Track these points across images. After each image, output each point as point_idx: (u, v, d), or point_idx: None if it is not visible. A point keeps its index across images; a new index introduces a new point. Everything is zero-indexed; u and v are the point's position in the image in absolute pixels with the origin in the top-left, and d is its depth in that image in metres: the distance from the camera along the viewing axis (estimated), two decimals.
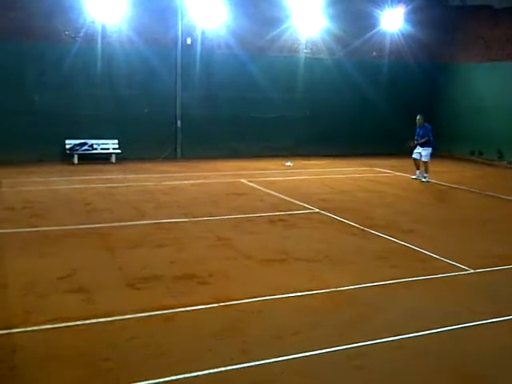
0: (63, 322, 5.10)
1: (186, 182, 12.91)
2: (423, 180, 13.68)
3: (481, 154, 18.22)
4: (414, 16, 18.14)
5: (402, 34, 18.58)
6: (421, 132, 13.80)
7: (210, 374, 4.29)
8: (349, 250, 7.71)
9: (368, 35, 18.18)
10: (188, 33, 16.33)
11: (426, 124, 13.81)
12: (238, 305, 5.63)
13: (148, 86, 16.05)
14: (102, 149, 15.75)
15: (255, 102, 17.23)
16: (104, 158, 15.64)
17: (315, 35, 17.66)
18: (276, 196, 11.41)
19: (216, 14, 16.07)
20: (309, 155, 17.42)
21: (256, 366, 4.43)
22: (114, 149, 15.81)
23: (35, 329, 4.98)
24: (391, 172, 15.32)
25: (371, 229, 8.81)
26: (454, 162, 17.78)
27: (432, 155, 13.94)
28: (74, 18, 15.01)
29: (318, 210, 10.11)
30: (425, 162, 13.74)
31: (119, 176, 13.51)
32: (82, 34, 15.12)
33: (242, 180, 13.25)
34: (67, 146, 15.34)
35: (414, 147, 13.90)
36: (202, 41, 16.46)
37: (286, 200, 11.02)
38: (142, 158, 15.76)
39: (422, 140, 13.70)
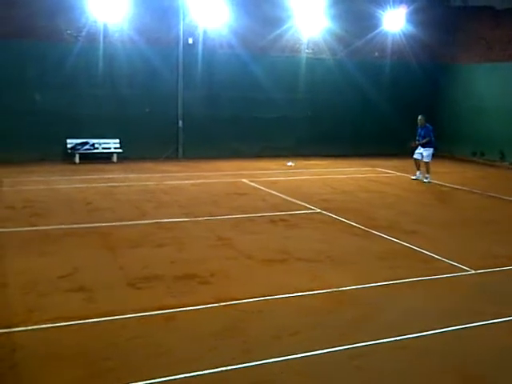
0: (64, 321, 5.10)
1: (187, 181, 12.90)
2: (425, 181, 13.66)
3: (482, 154, 18.19)
4: (415, 16, 18.12)
5: (404, 35, 18.56)
6: (422, 132, 13.78)
7: (210, 373, 4.27)
8: (350, 251, 7.69)
9: (370, 35, 18.16)
10: (190, 32, 16.32)
11: (428, 124, 13.79)
12: (239, 305, 5.62)
13: (150, 86, 16.04)
14: (103, 148, 15.75)
15: (257, 101, 17.22)
16: (105, 158, 15.64)
17: (317, 35, 17.65)
18: (277, 196, 11.40)
19: (218, 14, 16.06)
20: (310, 155, 17.41)
21: (257, 365, 4.42)
22: (115, 148, 15.81)
23: (36, 328, 4.97)
24: (393, 172, 15.30)
25: (373, 229, 8.80)
26: (456, 163, 17.76)
27: (433, 156, 13.92)
28: (75, 18, 15.00)
29: (319, 210, 10.09)
30: (426, 163, 13.72)
31: (120, 175, 13.51)
32: (83, 34, 15.11)
33: (244, 180, 13.24)
34: (69, 146, 15.34)
35: (416, 148, 13.88)
36: (204, 40, 16.45)
37: (287, 200, 11.00)
38: (143, 158, 15.76)
39: (424, 140, 13.68)
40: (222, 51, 16.64)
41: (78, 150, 15.31)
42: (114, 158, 15.70)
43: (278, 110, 17.56)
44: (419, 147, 13.80)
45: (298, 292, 5.98)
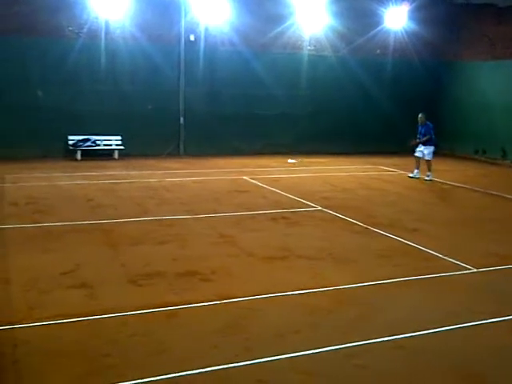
0: (65, 318, 5.11)
1: (188, 178, 12.91)
2: (426, 178, 13.65)
3: (484, 152, 18.18)
4: (418, 14, 18.08)
5: (406, 32, 18.52)
6: (422, 130, 13.78)
7: (212, 371, 4.29)
8: (351, 248, 7.71)
9: (372, 33, 18.13)
10: (191, 29, 16.31)
11: (428, 122, 13.78)
12: (241, 302, 5.64)
13: (151, 83, 16.04)
14: (105, 145, 15.76)
15: (258, 99, 17.22)
16: (107, 154, 15.65)
17: (319, 32, 17.63)
18: (278, 193, 11.41)
19: (219, 11, 16.05)
20: (311, 153, 17.40)
21: (259, 363, 4.43)
22: (116, 145, 15.82)
23: (38, 324, 4.99)
24: (394, 170, 15.30)
25: (374, 227, 8.81)
26: (457, 161, 17.75)
27: (434, 154, 13.92)
28: (77, 14, 15.01)
29: (320, 208, 10.10)
30: (427, 161, 13.72)
31: (122, 172, 13.53)
32: (85, 30, 15.12)
33: (245, 177, 13.25)
34: (70, 142, 15.36)
35: (416, 145, 13.88)
36: (206, 37, 16.45)
37: (288, 197, 11.01)
38: (144, 155, 15.77)
39: (424, 138, 13.68)
40: (223, 48, 16.63)
41: (80, 146, 15.33)
42: (116, 154, 15.72)
43: (280, 107, 17.56)
44: (420, 145, 13.80)
45: (298, 290, 5.99)
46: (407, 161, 15.39)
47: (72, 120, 15.27)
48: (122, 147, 15.78)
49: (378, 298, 5.92)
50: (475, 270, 6.87)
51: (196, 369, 4.29)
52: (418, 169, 13.88)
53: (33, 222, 8.53)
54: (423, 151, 13.73)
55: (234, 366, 4.36)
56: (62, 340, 4.77)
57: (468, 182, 13.42)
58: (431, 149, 13.73)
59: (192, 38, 16.35)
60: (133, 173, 13.47)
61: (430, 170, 13.72)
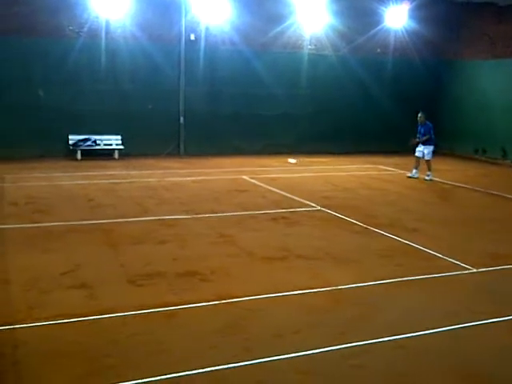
0: (65, 318, 5.12)
1: (188, 178, 12.92)
2: (426, 178, 13.65)
3: (484, 152, 18.16)
4: (418, 13, 18.06)
5: (407, 31, 18.51)
6: (422, 130, 13.77)
7: (212, 371, 4.29)
8: (351, 248, 7.71)
9: (372, 32, 18.12)
10: (192, 29, 16.31)
11: (428, 122, 13.78)
12: (240, 302, 5.64)
13: (151, 82, 16.05)
14: (105, 145, 15.77)
15: (259, 98, 17.21)
16: (107, 154, 15.65)
17: (319, 31, 17.62)
18: (278, 193, 11.41)
19: (220, 10, 16.05)
20: (312, 152, 17.39)
21: (258, 363, 4.44)
22: (117, 145, 15.83)
23: (38, 324, 5.00)
24: (395, 170, 15.30)
25: (374, 227, 8.81)
26: (457, 160, 17.74)
27: (434, 153, 13.91)
28: (78, 14, 15.01)
29: (320, 208, 10.10)
30: (427, 161, 13.72)
31: (122, 172, 13.54)
32: (86, 30, 15.13)
33: (245, 177, 13.25)
34: (70, 142, 15.36)
35: (416, 145, 13.88)
36: (206, 37, 16.44)
37: (288, 197, 11.02)
38: (144, 154, 15.78)
39: (424, 138, 13.68)
40: (224, 47, 16.62)
41: (80, 146, 15.34)
42: (116, 154, 15.72)
43: (280, 106, 17.55)
44: (420, 145, 13.79)
45: (298, 290, 6.00)
46: (407, 160, 15.38)
47: (72, 120, 15.27)
48: (122, 147, 15.78)
49: (377, 297, 5.93)
50: (475, 270, 6.87)
51: (195, 369, 4.30)
52: (416, 168, 13.86)
53: (33, 222, 8.54)
54: (423, 151, 13.72)
55: (233, 367, 4.37)
56: (62, 340, 4.77)
57: (468, 182, 13.42)
58: (431, 148, 13.73)
59: (192, 37, 16.35)
60: (133, 172, 13.48)
61: (429, 170, 13.71)
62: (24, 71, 14.70)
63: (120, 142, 15.85)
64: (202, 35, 16.40)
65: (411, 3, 17.91)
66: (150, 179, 12.60)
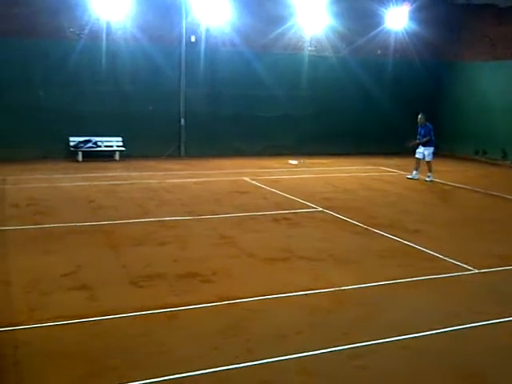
0: (66, 320, 5.12)
1: (189, 179, 12.92)
2: (427, 179, 13.64)
3: (485, 153, 18.16)
4: (418, 14, 18.07)
5: (407, 33, 18.52)
6: (422, 131, 13.77)
7: (214, 372, 4.29)
8: (352, 249, 7.70)
9: (373, 33, 18.12)
10: (192, 30, 16.31)
11: (428, 123, 13.78)
12: (242, 303, 5.64)
13: (152, 84, 16.05)
14: (105, 146, 15.77)
15: (259, 99, 17.22)
16: (108, 156, 15.65)
17: (319, 33, 17.63)
18: (279, 194, 11.41)
19: (220, 12, 16.06)
20: (312, 154, 17.38)
21: (260, 364, 4.43)
22: (117, 146, 15.83)
23: (39, 326, 4.99)
24: (395, 171, 15.30)
25: (375, 228, 8.81)
26: (458, 162, 17.74)
27: (434, 154, 13.91)
28: (78, 15, 15.02)
29: (321, 209, 10.10)
30: (428, 162, 13.72)
31: (123, 173, 13.54)
32: (86, 31, 15.13)
33: (245, 178, 13.25)
34: (71, 144, 15.36)
35: (416, 146, 13.88)
36: (207, 38, 16.45)
37: (289, 198, 11.01)
38: (145, 156, 15.78)
39: (424, 139, 13.68)
40: (224, 49, 16.63)
41: (81, 147, 15.34)
42: (117, 156, 15.72)
43: (280, 108, 17.56)
44: (420, 146, 13.80)
45: (300, 290, 5.99)
46: (408, 161, 15.37)
47: (73, 121, 15.28)
48: (123, 148, 15.79)
49: (379, 298, 5.92)
50: (476, 271, 6.86)
51: (197, 370, 4.29)
52: (416, 170, 13.86)
53: (34, 224, 8.54)
54: (423, 152, 13.72)
55: (235, 368, 4.36)
56: (63, 341, 4.77)
57: (468, 183, 13.41)
58: (431, 150, 13.73)
59: (193, 38, 16.35)
60: (134, 174, 13.48)
61: (430, 171, 13.71)
62: (25, 72, 14.70)
63: (121, 143, 15.85)
64: (203, 37, 16.40)
65: (411, 5, 17.93)
66: (150, 181, 12.60)
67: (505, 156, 17.48)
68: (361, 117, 18.45)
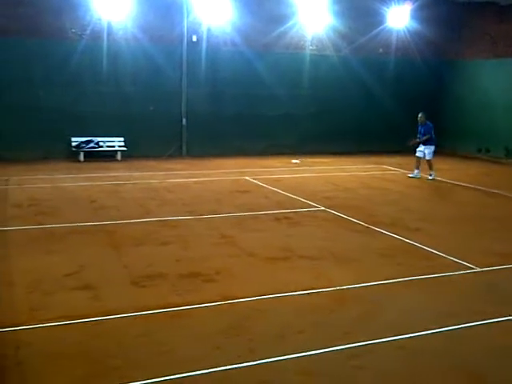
0: (68, 320, 5.14)
1: (190, 179, 12.94)
2: (429, 178, 13.64)
3: (488, 151, 18.14)
4: (420, 13, 18.05)
5: (409, 31, 18.51)
6: (422, 130, 13.78)
7: (216, 372, 4.30)
8: (354, 248, 7.71)
9: (374, 32, 18.11)
10: (193, 30, 16.33)
11: (428, 122, 13.78)
12: (244, 303, 5.65)
13: (153, 84, 16.07)
14: (107, 146, 15.80)
15: (260, 99, 17.22)
16: (110, 156, 15.68)
17: (321, 32, 17.62)
18: (280, 193, 11.42)
19: (221, 12, 16.06)
20: (314, 153, 17.39)
21: (262, 364, 4.45)
22: (119, 146, 15.86)
23: (41, 326, 5.01)
24: (397, 169, 15.30)
25: (376, 226, 8.81)
26: (460, 160, 17.72)
27: (435, 153, 13.90)
28: (80, 16, 15.05)
29: (322, 208, 10.11)
30: (428, 160, 13.71)
31: (125, 174, 13.56)
32: (88, 32, 15.15)
33: (247, 178, 13.27)
34: (73, 144, 15.40)
35: (417, 145, 13.88)
36: (208, 38, 16.46)
37: (290, 197, 11.03)
38: (147, 156, 15.80)
39: (424, 138, 13.68)
40: (225, 49, 16.64)
41: (83, 148, 15.37)
42: (119, 156, 15.75)
43: (282, 107, 17.56)
44: (420, 145, 13.80)
45: (301, 290, 6.01)
46: (409, 160, 15.36)
47: (75, 121, 15.31)
48: (124, 148, 15.81)
49: (380, 297, 5.93)
50: (477, 270, 6.87)
51: (199, 370, 4.31)
52: (418, 169, 13.86)
53: (36, 224, 8.57)
54: (424, 151, 13.73)
55: (237, 367, 4.38)
56: (66, 342, 4.79)
57: (470, 181, 13.40)
58: (432, 148, 13.73)
59: (194, 38, 16.36)
60: (135, 174, 13.51)
61: (431, 169, 13.71)
62: (27, 73, 14.72)
63: (123, 143, 15.88)
64: (204, 36, 16.42)
65: (413, 3, 17.91)
66: (152, 180, 12.62)
67: (508, 154, 17.45)
68: (362, 115, 18.45)
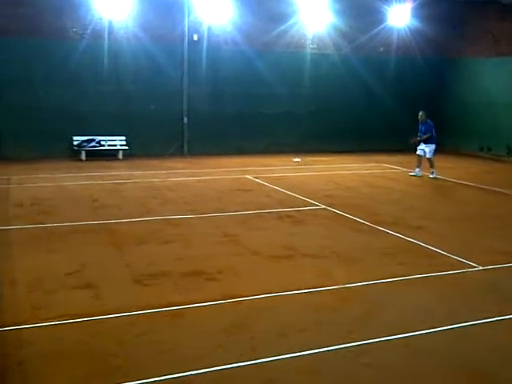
0: (71, 318, 5.13)
1: (192, 178, 12.92)
2: (431, 176, 13.62)
3: (490, 149, 18.11)
4: (421, 11, 18.02)
5: (410, 30, 18.48)
6: (423, 128, 13.76)
7: (218, 370, 4.29)
8: (356, 247, 7.69)
9: (375, 31, 18.09)
10: (194, 29, 16.32)
11: (429, 120, 13.76)
12: (246, 301, 5.64)
13: (154, 83, 16.06)
14: (109, 145, 15.79)
15: (261, 98, 17.21)
16: (111, 155, 15.68)
17: (322, 31, 17.60)
18: (282, 192, 11.40)
19: (222, 11, 16.05)
20: (315, 151, 17.38)
21: (264, 363, 4.43)
22: (121, 145, 15.85)
23: (43, 325, 5.00)
24: (398, 168, 15.28)
25: (378, 225, 8.79)
26: (461, 158, 17.70)
27: (436, 151, 13.88)
28: (81, 15, 15.04)
29: (324, 207, 10.09)
30: (429, 159, 13.69)
31: (126, 172, 13.56)
32: (89, 31, 15.15)
33: (248, 176, 13.25)
34: (75, 143, 15.39)
35: (418, 143, 13.86)
36: (209, 37, 16.45)
37: (292, 196, 11.01)
38: (148, 155, 15.80)
39: (425, 136, 13.67)
40: (226, 47, 16.63)
41: (84, 146, 15.37)
42: (120, 154, 15.74)
43: (283, 105, 17.55)
44: (421, 143, 13.78)
45: (304, 288, 5.99)
46: (410, 158, 15.34)
47: (76, 120, 15.31)
48: (126, 147, 15.81)
49: (382, 296, 5.91)
50: (480, 268, 6.85)
51: (201, 368, 4.29)
52: (419, 167, 13.84)
53: (38, 223, 8.56)
54: (424, 149, 13.71)
55: (240, 366, 4.36)
56: (67, 340, 4.77)
57: (472, 180, 13.38)
58: (432, 147, 13.70)
59: (195, 37, 16.36)
60: (137, 173, 13.50)
61: (432, 167, 13.68)
62: (28, 72, 14.73)
63: (124, 142, 15.87)
64: (205, 35, 16.41)
65: (414, 2, 17.87)
66: (154, 179, 12.61)
67: (510, 152, 17.42)
68: (363, 114, 18.43)
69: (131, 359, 4.46)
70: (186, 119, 16.61)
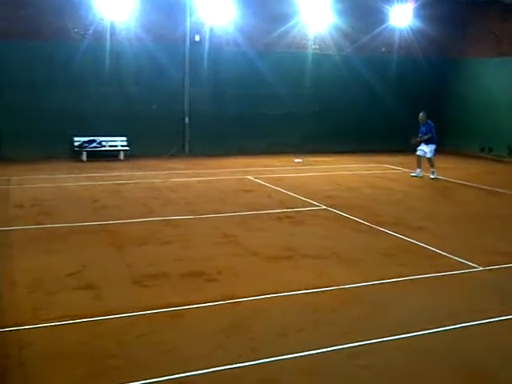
0: (71, 319, 5.13)
1: (193, 178, 12.93)
2: (431, 177, 13.60)
3: (491, 150, 18.08)
4: (423, 11, 18.00)
5: (412, 30, 18.45)
6: (423, 129, 13.75)
7: (217, 371, 4.29)
8: (356, 247, 7.69)
9: (377, 31, 18.07)
10: (196, 30, 16.33)
11: (429, 121, 13.75)
12: (246, 302, 5.64)
13: (156, 83, 16.08)
14: (110, 146, 15.81)
15: (263, 98, 17.22)
16: (112, 155, 15.69)
17: (323, 31, 17.60)
18: (283, 193, 11.40)
19: (224, 12, 16.06)
20: (316, 152, 17.36)
21: (263, 363, 4.43)
22: (122, 146, 15.87)
23: (43, 325, 5.01)
24: (399, 169, 15.26)
25: (379, 226, 8.79)
26: (462, 159, 17.67)
27: (436, 152, 13.86)
28: (82, 16, 15.06)
29: (325, 207, 10.09)
30: (429, 159, 13.67)
31: (127, 173, 13.57)
32: (90, 32, 15.17)
33: (249, 177, 13.25)
34: (76, 144, 15.42)
35: (418, 144, 13.84)
36: (211, 38, 16.45)
37: (292, 197, 11.01)
38: (149, 155, 15.80)
39: (425, 137, 13.65)
40: (228, 48, 16.63)
41: (86, 147, 15.39)
42: (121, 155, 15.76)
43: (284, 106, 17.55)
44: (422, 144, 13.76)
45: (304, 289, 5.99)
46: (412, 159, 15.29)
47: (77, 121, 15.33)
48: (127, 148, 15.82)
49: (382, 296, 5.91)
50: (481, 269, 6.84)
51: (201, 369, 4.29)
52: (420, 168, 13.82)
53: (38, 224, 8.57)
54: (424, 150, 13.70)
55: (239, 366, 4.37)
56: (68, 341, 4.78)
57: (473, 180, 13.36)
58: (433, 147, 13.69)
59: (197, 38, 16.37)
60: (138, 173, 13.51)
61: (433, 167, 13.66)
62: (29, 74, 14.75)
63: (125, 143, 15.89)
64: (207, 36, 16.41)
65: (416, 2, 17.85)
66: (155, 180, 12.62)
67: (511, 153, 17.38)
68: (364, 114, 18.42)
69: (131, 360, 4.47)
70: (187, 120, 16.62)
